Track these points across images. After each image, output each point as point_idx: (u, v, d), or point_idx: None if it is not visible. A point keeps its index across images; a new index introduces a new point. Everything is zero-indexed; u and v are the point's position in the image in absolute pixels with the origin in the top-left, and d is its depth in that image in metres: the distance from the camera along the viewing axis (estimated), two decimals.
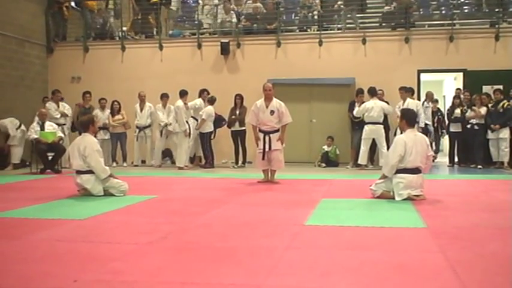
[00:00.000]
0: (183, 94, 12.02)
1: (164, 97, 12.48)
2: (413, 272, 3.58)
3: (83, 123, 7.69)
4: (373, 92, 11.57)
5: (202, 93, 12.46)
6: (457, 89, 13.09)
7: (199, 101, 12.36)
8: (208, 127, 12.29)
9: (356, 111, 11.63)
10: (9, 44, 13.53)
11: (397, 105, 11.61)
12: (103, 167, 7.37)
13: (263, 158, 8.79)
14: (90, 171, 7.31)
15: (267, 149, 8.76)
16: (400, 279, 3.44)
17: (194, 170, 11.79)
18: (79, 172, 7.39)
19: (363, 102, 11.80)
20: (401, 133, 7.34)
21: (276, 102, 8.79)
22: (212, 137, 12.42)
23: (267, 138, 8.79)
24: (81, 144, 7.38)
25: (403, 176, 6.75)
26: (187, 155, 11.95)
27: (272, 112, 8.75)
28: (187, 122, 11.92)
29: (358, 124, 11.88)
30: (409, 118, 7.13)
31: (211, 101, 12.34)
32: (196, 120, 12.31)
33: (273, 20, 14.11)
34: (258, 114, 8.80)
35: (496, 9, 13.16)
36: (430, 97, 12.36)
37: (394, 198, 6.75)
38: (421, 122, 11.34)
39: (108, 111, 12.79)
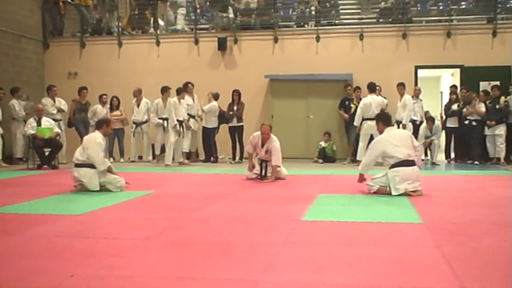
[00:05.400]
0: (180, 92, 11.92)
1: (165, 91, 12.09)
2: (409, 267, 3.59)
3: (99, 121, 7.84)
4: (372, 88, 11.56)
5: (186, 86, 12.17)
6: (451, 86, 13.09)
7: (190, 99, 12.23)
8: (214, 122, 12.43)
9: (356, 120, 11.55)
10: (6, 39, 13.50)
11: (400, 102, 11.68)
12: (102, 159, 7.40)
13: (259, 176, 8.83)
14: (88, 165, 7.31)
15: (262, 173, 8.82)
16: (397, 274, 3.44)
17: (190, 165, 11.78)
18: (77, 165, 7.39)
19: (360, 98, 11.82)
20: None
21: (269, 142, 8.68)
22: (216, 132, 12.60)
23: (263, 164, 8.84)
24: (87, 138, 7.63)
25: (397, 170, 6.78)
26: (171, 152, 11.62)
27: (266, 152, 8.75)
28: (178, 120, 11.80)
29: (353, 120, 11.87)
30: (383, 119, 7.36)
31: (216, 97, 12.42)
32: (193, 117, 12.31)
33: (268, 15, 14.11)
34: (255, 146, 8.82)
35: (494, 5, 13.18)
36: (416, 93, 12.36)
37: (391, 193, 6.76)
38: (405, 119, 11.37)
39: (107, 106, 12.76)
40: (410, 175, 6.80)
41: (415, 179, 6.85)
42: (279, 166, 8.74)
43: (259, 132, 8.83)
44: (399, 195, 6.68)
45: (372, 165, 7.14)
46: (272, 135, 8.81)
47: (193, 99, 12.39)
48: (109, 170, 7.45)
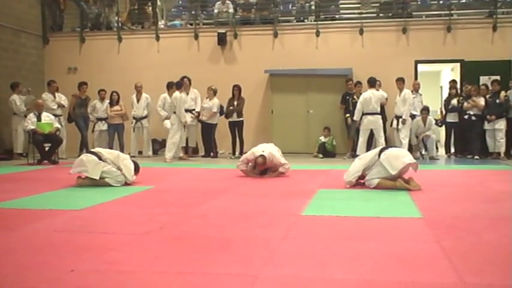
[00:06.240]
0: (180, 86, 11.88)
1: (171, 87, 11.95)
2: (409, 261, 3.59)
3: (136, 167, 7.77)
4: (372, 83, 11.54)
5: (182, 80, 12.01)
6: (451, 81, 13.07)
7: (184, 94, 11.99)
8: (215, 118, 12.53)
9: (356, 115, 11.52)
10: (5, 34, 13.48)
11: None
12: (133, 174, 7.52)
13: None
14: (98, 155, 7.35)
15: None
16: (396, 268, 3.45)
17: (190, 161, 11.78)
18: (89, 151, 7.64)
19: (361, 93, 11.81)
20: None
21: (270, 162, 8.33)
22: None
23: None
24: (126, 155, 7.93)
25: (385, 152, 6.94)
26: (175, 147, 11.66)
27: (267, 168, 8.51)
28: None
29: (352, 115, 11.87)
30: None
31: (215, 92, 12.44)
32: (190, 111, 12.24)
33: (268, 10, 14.10)
34: (249, 162, 8.50)
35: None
36: (415, 88, 12.36)
37: (392, 181, 6.78)
38: (405, 114, 11.36)
39: (107, 102, 12.75)
40: (398, 152, 7.14)
41: (405, 154, 7.08)
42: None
43: (251, 153, 8.49)
44: (399, 190, 6.68)
45: (356, 177, 7.12)
46: (264, 146, 8.55)
47: (187, 93, 12.29)
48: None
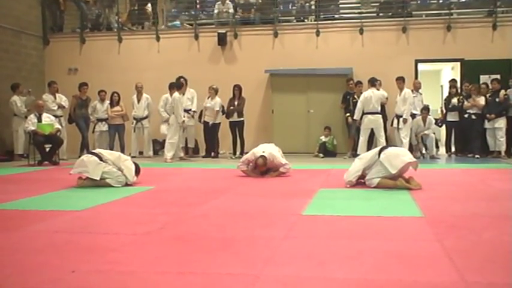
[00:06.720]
0: (179, 86, 11.86)
1: (172, 87, 11.86)
2: (410, 260, 3.59)
3: (137, 169, 7.72)
4: (372, 82, 11.56)
5: (178, 80, 11.93)
6: (451, 80, 13.06)
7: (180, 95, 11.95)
8: (219, 117, 12.55)
9: (356, 114, 11.54)
10: (6, 35, 13.49)
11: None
12: (133, 175, 7.53)
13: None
14: (99, 156, 7.36)
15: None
16: (397, 267, 3.45)
17: (191, 161, 11.79)
18: (90, 152, 7.70)
19: (361, 92, 11.81)
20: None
21: (270, 162, 8.34)
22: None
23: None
24: (127, 156, 8.00)
25: (385, 151, 6.94)
26: (173, 147, 11.60)
27: (269, 169, 8.50)
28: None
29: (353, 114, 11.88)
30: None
31: (217, 92, 12.48)
32: (187, 111, 12.22)
33: (268, 10, 14.10)
34: (250, 163, 8.49)
35: None
36: (416, 87, 12.35)
37: (392, 180, 6.78)
38: (406, 113, 11.36)
39: (107, 103, 12.76)
40: (398, 151, 7.14)
41: (404, 153, 7.09)
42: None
43: (252, 154, 8.51)
44: (399, 189, 6.69)
45: (356, 177, 7.13)
46: (264, 147, 8.57)
47: (183, 94, 12.23)
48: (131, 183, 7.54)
